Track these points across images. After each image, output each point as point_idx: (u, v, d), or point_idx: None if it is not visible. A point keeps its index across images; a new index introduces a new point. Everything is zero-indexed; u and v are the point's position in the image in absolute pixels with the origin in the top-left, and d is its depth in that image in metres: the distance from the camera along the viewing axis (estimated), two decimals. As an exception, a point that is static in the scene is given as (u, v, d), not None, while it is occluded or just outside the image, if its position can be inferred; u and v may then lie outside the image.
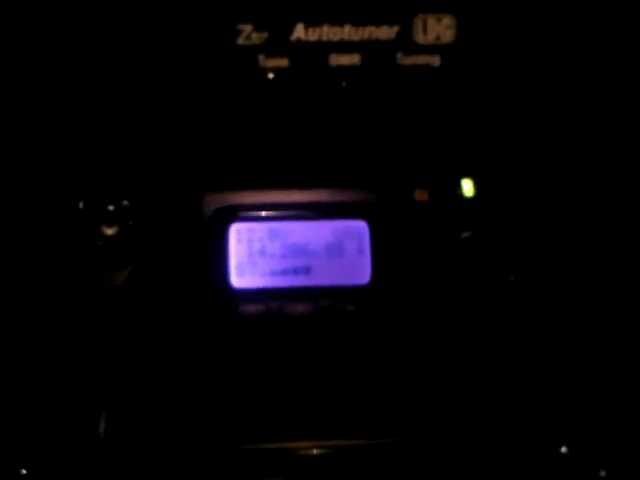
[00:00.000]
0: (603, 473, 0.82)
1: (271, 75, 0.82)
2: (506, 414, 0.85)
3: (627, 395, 0.85)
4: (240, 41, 0.81)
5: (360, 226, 0.88)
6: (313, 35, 0.81)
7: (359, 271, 0.88)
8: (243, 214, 0.88)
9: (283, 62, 0.82)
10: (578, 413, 0.85)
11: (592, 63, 0.83)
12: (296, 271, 0.87)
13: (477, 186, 0.88)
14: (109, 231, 0.86)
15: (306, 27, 0.81)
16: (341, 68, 0.82)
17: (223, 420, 0.85)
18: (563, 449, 0.84)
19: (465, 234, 0.87)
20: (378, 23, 0.81)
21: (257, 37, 0.81)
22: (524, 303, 0.87)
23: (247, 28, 0.80)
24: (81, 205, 0.86)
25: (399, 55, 0.82)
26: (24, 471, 0.81)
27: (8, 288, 0.83)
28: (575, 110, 0.85)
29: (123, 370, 0.86)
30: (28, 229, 0.84)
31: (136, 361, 0.86)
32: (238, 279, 0.87)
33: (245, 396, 0.86)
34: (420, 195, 0.87)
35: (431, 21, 0.81)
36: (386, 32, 0.81)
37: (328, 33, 0.81)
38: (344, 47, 0.81)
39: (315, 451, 0.84)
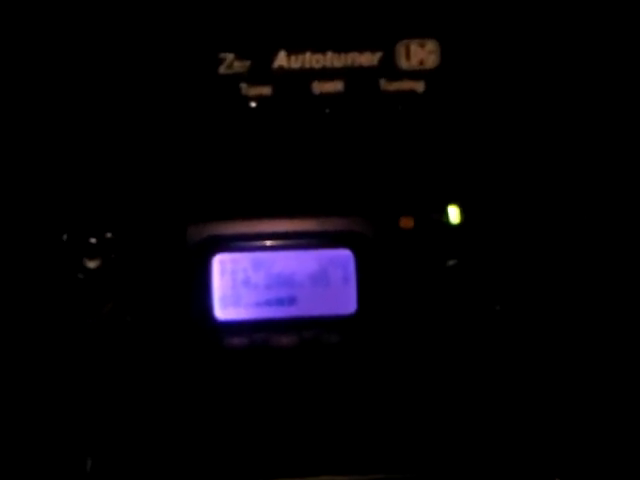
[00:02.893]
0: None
1: (254, 104, 0.82)
2: (497, 446, 0.84)
3: (619, 426, 0.84)
4: (222, 70, 0.81)
5: (345, 255, 0.87)
6: (295, 62, 0.81)
7: (345, 301, 0.87)
8: (226, 245, 0.87)
9: (266, 90, 0.82)
10: (569, 444, 0.84)
11: (579, 87, 0.84)
12: (281, 302, 0.87)
13: (463, 213, 0.87)
14: (91, 264, 0.85)
15: (288, 54, 0.81)
16: (324, 95, 0.82)
17: (208, 457, 0.84)
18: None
19: (451, 262, 0.87)
20: (361, 49, 0.81)
21: (239, 66, 0.81)
22: (510, 333, 0.87)
23: (229, 57, 0.81)
24: (64, 238, 0.85)
25: (382, 81, 0.82)
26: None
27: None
28: (562, 136, 0.85)
29: (108, 406, 0.84)
30: (8, 261, 0.84)
31: (120, 396, 0.85)
32: (222, 311, 0.87)
33: (231, 432, 0.85)
34: (406, 222, 0.87)
35: (414, 46, 0.81)
36: (369, 58, 0.81)
37: (310, 60, 0.81)
38: (327, 74, 0.82)
39: None
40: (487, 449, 0.84)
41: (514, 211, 0.87)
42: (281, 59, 0.81)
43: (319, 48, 0.81)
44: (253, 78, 0.81)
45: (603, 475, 0.83)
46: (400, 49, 0.81)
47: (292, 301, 0.87)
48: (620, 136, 0.84)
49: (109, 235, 0.86)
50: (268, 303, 0.87)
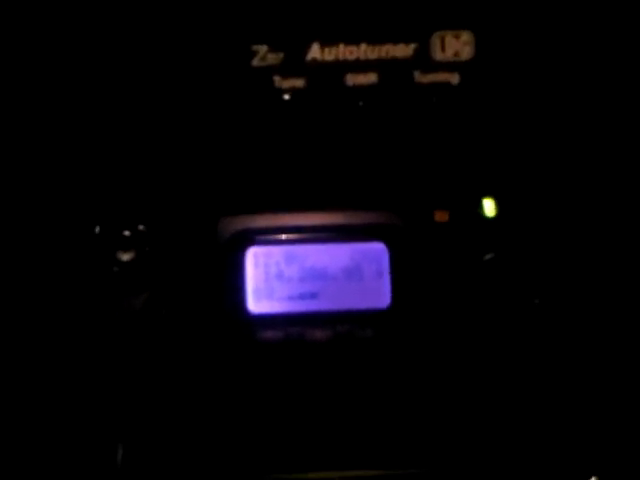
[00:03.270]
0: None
1: (287, 96, 0.83)
2: (528, 446, 0.84)
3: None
4: (255, 62, 0.81)
5: (379, 248, 0.87)
6: (329, 55, 0.81)
7: (378, 295, 0.87)
8: (260, 238, 0.87)
9: (299, 82, 0.82)
10: (609, 442, 0.83)
11: (614, 75, 0.83)
12: (314, 295, 0.87)
13: (499, 206, 0.86)
14: (125, 257, 0.86)
15: (322, 47, 0.81)
16: (358, 87, 0.82)
17: (241, 449, 0.84)
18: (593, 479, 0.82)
19: (488, 256, 0.86)
20: (395, 41, 0.81)
21: (272, 58, 0.81)
22: (550, 327, 0.86)
23: (262, 49, 0.81)
24: (97, 230, 0.85)
25: (417, 73, 0.82)
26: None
27: (25, 316, 0.83)
28: (600, 126, 0.84)
29: (140, 398, 0.85)
30: (44, 255, 0.84)
31: (153, 388, 0.85)
32: (255, 304, 0.87)
33: (263, 425, 0.85)
34: (440, 216, 0.86)
35: (449, 38, 0.81)
36: (403, 50, 0.81)
37: (344, 52, 0.81)
38: (360, 66, 0.82)
39: None
40: (525, 445, 0.84)
41: (550, 203, 0.86)
42: (314, 51, 0.81)
43: (353, 40, 0.81)
44: (286, 70, 0.82)
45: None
46: (435, 41, 0.81)
47: (325, 295, 0.87)
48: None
49: (142, 228, 0.86)
50: (301, 297, 0.87)
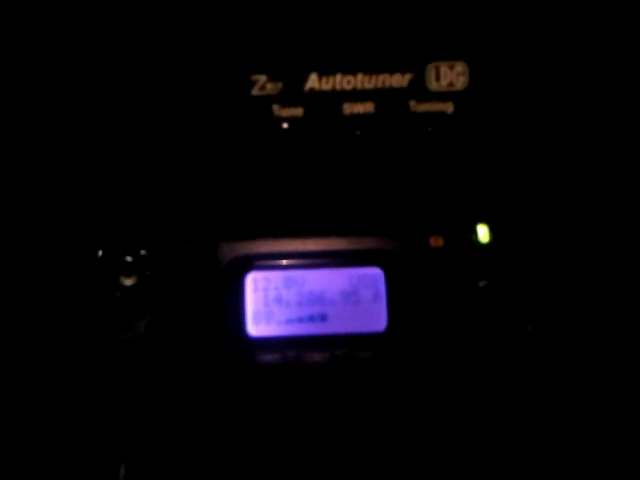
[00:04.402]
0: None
1: (286, 125, 0.84)
2: (525, 470, 0.85)
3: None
4: (255, 92, 0.83)
5: (376, 273, 0.89)
6: (327, 84, 0.83)
7: (375, 318, 0.89)
8: (259, 263, 0.89)
9: (297, 111, 0.84)
10: (599, 456, 0.85)
11: (610, 105, 0.85)
12: (312, 319, 0.88)
13: (493, 232, 0.88)
14: (127, 282, 0.88)
15: (320, 77, 0.83)
16: (355, 116, 0.84)
17: (240, 470, 0.85)
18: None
19: (482, 283, 0.88)
20: (391, 71, 0.83)
21: (271, 87, 0.83)
22: (541, 354, 0.87)
23: (261, 79, 0.83)
24: (100, 255, 0.87)
25: (412, 102, 0.83)
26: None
27: (29, 340, 0.85)
28: (593, 155, 0.86)
29: (142, 419, 0.86)
30: (47, 280, 0.86)
31: (154, 410, 0.87)
32: (255, 327, 0.88)
33: (262, 447, 0.86)
34: (435, 241, 0.88)
35: (444, 68, 0.83)
36: (399, 80, 0.83)
37: (341, 82, 0.83)
38: (358, 96, 0.83)
39: None
40: (516, 468, 0.85)
41: (543, 230, 0.88)
42: (313, 81, 0.83)
43: (350, 70, 0.83)
44: (285, 99, 0.83)
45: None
46: (430, 71, 0.83)
47: (323, 318, 0.88)
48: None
49: (144, 252, 0.88)
50: (300, 320, 0.88)
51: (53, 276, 0.86)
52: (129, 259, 0.88)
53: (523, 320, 0.88)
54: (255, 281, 0.89)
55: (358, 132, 0.85)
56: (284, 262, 0.90)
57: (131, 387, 0.87)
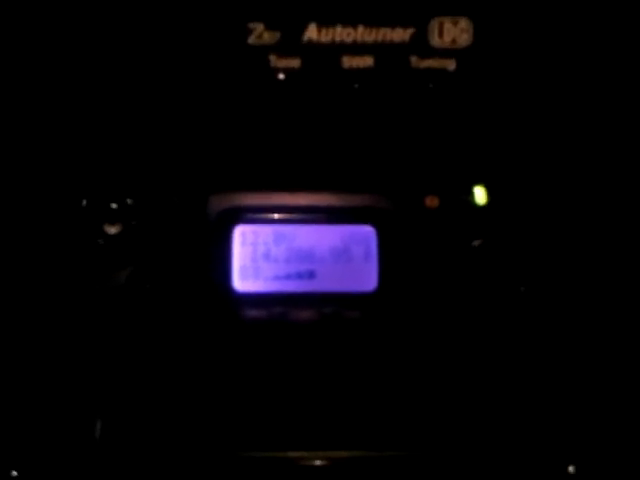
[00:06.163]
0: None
1: (282, 76, 0.84)
2: (514, 429, 0.86)
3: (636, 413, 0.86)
4: (251, 40, 0.83)
5: (368, 231, 0.89)
6: (326, 36, 0.83)
7: (365, 278, 0.89)
8: (248, 216, 0.89)
9: (295, 62, 0.84)
10: (588, 430, 0.86)
11: (610, 64, 0.85)
12: (301, 276, 0.89)
13: (490, 194, 0.89)
14: (111, 230, 0.87)
15: (319, 27, 0.83)
16: (354, 70, 0.84)
17: (222, 426, 0.86)
18: (570, 469, 0.85)
19: (476, 242, 0.88)
20: (392, 25, 0.83)
21: (268, 37, 0.83)
22: (535, 315, 0.88)
23: (258, 27, 0.83)
24: (84, 203, 0.87)
25: (413, 58, 0.84)
26: (15, 473, 0.82)
27: (7, 286, 0.85)
28: (595, 116, 0.87)
29: (121, 372, 0.87)
30: (29, 226, 0.86)
31: (135, 363, 0.87)
32: (241, 283, 0.89)
33: (246, 403, 0.86)
34: (431, 201, 0.89)
35: (447, 24, 0.83)
36: (400, 34, 0.83)
37: (341, 34, 0.83)
38: (357, 49, 0.83)
39: (317, 462, 0.84)
40: (504, 434, 0.86)
41: (541, 192, 0.88)
42: (311, 32, 0.83)
43: (350, 22, 0.83)
44: (282, 50, 0.83)
45: (618, 462, 0.85)
46: (433, 26, 0.83)
47: (312, 276, 0.89)
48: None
49: (130, 201, 0.88)
50: (288, 277, 0.89)
51: (36, 223, 0.87)
52: (114, 206, 0.87)
53: (517, 281, 0.89)
54: (243, 234, 0.89)
55: (356, 86, 0.85)
56: (274, 216, 0.90)
57: (111, 338, 0.87)
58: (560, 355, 0.88)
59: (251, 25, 0.83)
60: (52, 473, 0.83)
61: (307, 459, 0.85)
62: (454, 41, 0.83)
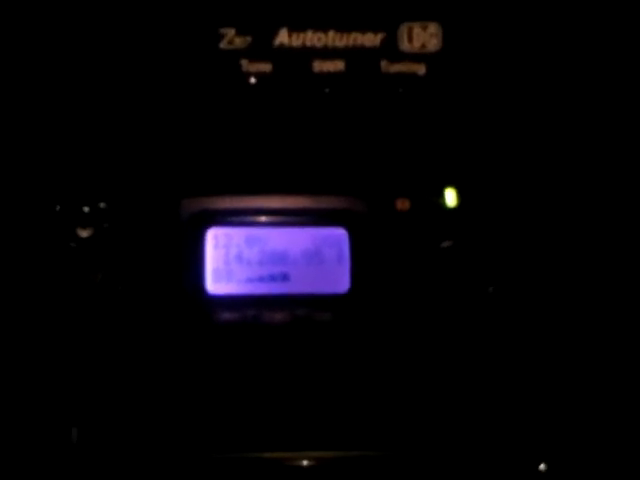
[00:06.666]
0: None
1: (253, 80, 0.85)
2: (486, 428, 0.88)
3: (610, 411, 0.88)
4: (223, 45, 0.84)
5: (340, 234, 0.90)
6: (297, 40, 0.84)
7: (338, 279, 0.90)
8: (221, 219, 0.90)
9: (266, 67, 0.85)
10: (559, 428, 0.88)
11: (582, 70, 0.87)
12: (273, 278, 0.89)
13: (460, 196, 0.90)
14: (84, 233, 0.88)
15: (290, 32, 0.84)
16: (325, 74, 0.85)
17: (202, 429, 0.87)
18: (542, 466, 0.87)
19: (445, 243, 0.89)
20: (363, 30, 0.84)
21: (240, 41, 0.84)
22: (503, 315, 0.90)
23: (230, 32, 0.84)
24: (57, 207, 0.88)
25: (384, 63, 0.85)
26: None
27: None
28: (561, 121, 0.88)
29: (96, 375, 0.87)
30: (3, 230, 0.87)
31: (109, 366, 0.88)
32: (214, 285, 0.89)
33: (221, 405, 0.88)
34: (402, 204, 0.89)
35: (417, 29, 0.84)
36: (371, 39, 0.84)
37: (312, 39, 0.84)
38: (328, 53, 0.85)
39: (303, 462, 0.86)
40: (473, 432, 0.88)
41: (511, 195, 0.90)
42: (282, 36, 0.84)
43: (321, 27, 0.84)
44: (253, 54, 0.84)
45: (589, 460, 0.87)
46: (402, 31, 0.84)
47: (285, 278, 0.90)
48: (619, 125, 0.88)
49: (102, 205, 0.88)
50: (261, 279, 0.90)
51: (7, 226, 0.87)
52: (86, 210, 0.88)
53: (485, 282, 0.90)
54: (216, 237, 0.90)
55: (327, 90, 0.86)
56: (247, 219, 0.90)
57: (84, 342, 0.88)
58: (528, 354, 0.89)
59: (222, 30, 0.84)
60: (28, 478, 0.84)
61: (290, 460, 0.86)
62: (423, 46, 0.84)
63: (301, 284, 0.90)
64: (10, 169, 0.87)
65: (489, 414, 0.89)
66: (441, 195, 0.90)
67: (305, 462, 0.86)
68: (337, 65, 0.85)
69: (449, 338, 0.90)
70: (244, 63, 0.84)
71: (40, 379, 0.87)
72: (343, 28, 0.84)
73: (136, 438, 0.87)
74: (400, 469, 0.87)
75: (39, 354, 0.87)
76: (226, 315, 0.89)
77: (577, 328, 0.89)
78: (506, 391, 0.89)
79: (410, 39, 0.84)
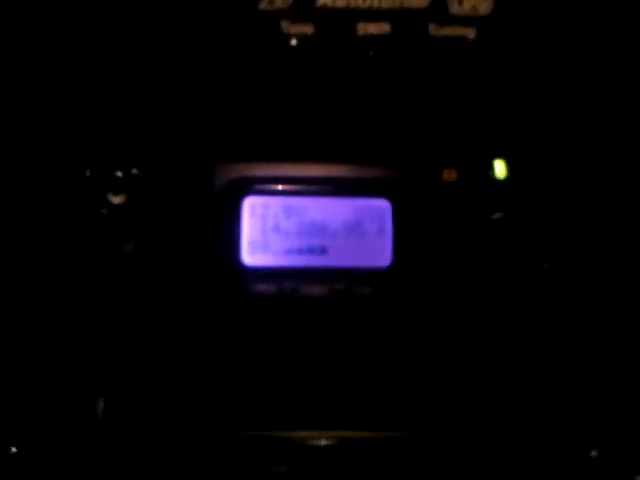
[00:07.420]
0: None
1: (294, 42, 0.83)
2: (533, 412, 0.86)
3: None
4: (262, 5, 0.82)
5: (382, 205, 0.89)
6: (341, 1, 0.81)
7: (379, 253, 0.89)
8: (258, 187, 0.89)
9: (308, 29, 0.83)
10: (611, 414, 0.86)
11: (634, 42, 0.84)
12: (312, 250, 0.89)
13: (510, 167, 0.88)
14: (116, 199, 0.87)
15: (334, -8, 0.82)
16: (369, 37, 0.83)
17: (228, 405, 0.86)
18: (594, 453, 0.85)
19: (496, 215, 0.87)
20: (410, -10, 0.82)
21: (281, 1, 0.82)
22: (558, 292, 0.88)
23: (270, -9, 0.82)
24: (88, 172, 0.87)
25: (432, 26, 0.82)
26: (14, 449, 0.82)
27: (10, 257, 0.85)
28: (617, 88, 0.86)
29: (125, 348, 0.87)
30: (32, 195, 0.86)
31: (139, 338, 0.87)
32: (250, 257, 0.89)
33: (252, 380, 0.87)
34: (448, 175, 0.88)
35: (468, -9, 0.82)
36: (419, 1, 0.81)
37: (357, 0, 0.82)
38: (373, 15, 0.82)
39: (323, 442, 0.84)
40: (522, 417, 0.86)
41: (562, 167, 0.88)
42: (326, -4, 0.82)
43: (367, -14, 0.82)
44: (295, 15, 0.82)
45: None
46: (452, -7, 0.82)
47: (324, 251, 0.89)
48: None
49: (135, 171, 0.87)
50: (299, 251, 0.89)
51: (39, 192, 0.86)
52: (119, 175, 0.87)
53: (540, 257, 0.88)
54: (253, 207, 0.89)
55: (372, 54, 0.84)
56: (285, 187, 0.89)
57: (115, 312, 0.87)
58: (585, 335, 0.87)
59: (262, -11, 0.82)
60: (52, 450, 0.83)
61: (312, 439, 0.85)
62: (474, 9, 0.82)
63: (340, 257, 0.89)
64: (39, 132, 0.86)
65: (540, 399, 0.87)
66: (490, 166, 0.88)
67: (330, 441, 0.85)
68: (382, 27, 0.82)
69: (499, 317, 0.88)
70: (285, 24, 0.82)
71: (70, 349, 0.86)
72: (390, -12, 0.82)
73: (163, 412, 0.86)
74: (434, 450, 0.85)
75: (70, 322, 0.86)
76: (262, 288, 0.89)
77: (631, 308, 0.87)
78: (559, 375, 0.87)
79: (460, 1, 0.82)
